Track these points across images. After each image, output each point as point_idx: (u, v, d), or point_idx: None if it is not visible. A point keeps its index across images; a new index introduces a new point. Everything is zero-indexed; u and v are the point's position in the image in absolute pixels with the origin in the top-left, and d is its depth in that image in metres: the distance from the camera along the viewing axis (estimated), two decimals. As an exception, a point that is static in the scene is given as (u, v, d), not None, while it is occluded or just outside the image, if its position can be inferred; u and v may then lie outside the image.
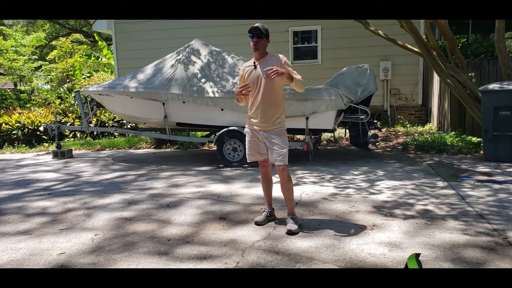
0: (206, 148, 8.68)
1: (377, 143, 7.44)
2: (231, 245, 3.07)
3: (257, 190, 4.72)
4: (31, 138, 10.03)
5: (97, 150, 9.19)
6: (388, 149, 8.01)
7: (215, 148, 6.63)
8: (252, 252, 2.93)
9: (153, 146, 9.15)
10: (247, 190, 4.73)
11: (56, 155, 8.04)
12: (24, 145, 9.84)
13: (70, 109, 10.93)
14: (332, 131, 6.57)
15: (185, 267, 2.68)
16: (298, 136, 8.24)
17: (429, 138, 7.92)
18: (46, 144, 9.65)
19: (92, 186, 5.20)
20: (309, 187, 4.81)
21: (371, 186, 4.80)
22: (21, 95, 13.37)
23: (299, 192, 4.58)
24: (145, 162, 7.13)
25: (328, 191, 4.60)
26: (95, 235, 3.34)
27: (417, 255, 1.20)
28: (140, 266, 2.73)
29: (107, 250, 3.01)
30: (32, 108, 11.87)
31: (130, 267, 2.72)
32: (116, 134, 10.00)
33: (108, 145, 9.45)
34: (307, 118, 6.15)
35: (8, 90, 13.85)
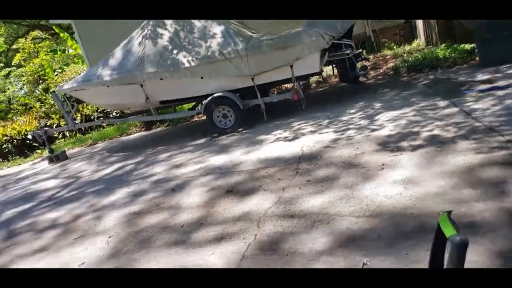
0: (196, 119, 8.52)
1: (367, 75, 7.28)
2: (245, 218, 3.05)
3: (258, 153, 4.65)
4: (22, 148, 9.85)
5: (90, 145, 9.04)
6: (379, 77, 7.85)
7: (206, 118, 6.48)
8: (267, 220, 2.91)
9: (143, 129, 8.99)
10: (247, 156, 4.66)
11: (51, 160, 7.91)
12: (17, 156, 9.68)
13: (52, 110, 10.63)
14: (320, 73, 6.39)
15: (206, 253, 2.67)
16: (286, 85, 8.04)
17: (419, 56, 7.72)
18: (38, 151, 9.48)
19: (94, 185, 5.13)
20: (309, 138, 4.73)
21: (371, 122, 4.72)
22: (0, 106, 12.97)
23: (299, 146, 4.51)
24: (140, 147, 7.02)
25: (328, 138, 4.53)
26: (109, 237, 3.31)
27: (449, 213, 1.08)
28: (160, 262, 2.72)
29: (125, 251, 2.99)
30: (14, 118, 11.54)
31: (150, 265, 2.70)
32: (104, 125, 9.79)
33: (99, 137, 9.29)
34: (291, 66, 5.94)
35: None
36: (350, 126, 4.81)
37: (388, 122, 4.56)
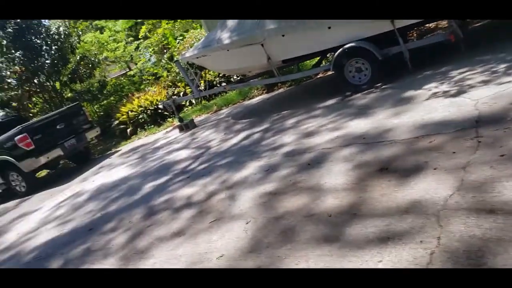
0: (320, 75, 7.73)
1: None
2: (415, 210, 2.30)
3: (411, 116, 3.72)
4: (155, 117, 10.52)
5: (215, 112, 9.10)
6: None
7: (332, 73, 5.66)
8: (452, 216, 2.11)
9: (265, 91, 8.60)
10: (397, 120, 3.77)
11: (181, 129, 8.17)
12: (152, 125, 10.40)
13: (177, 78, 11.02)
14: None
15: (370, 258, 2.04)
16: (438, 23, 6.55)
17: None
18: (170, 120, 9.99)
19: (223, 157, 4.91)
20: (483, 92, 3.58)
21: None
22: (134, 78, 14.14)
23: (471, 103, 3.43)
24: (264, 112, 6.62)
25: (513, 90, 3.33)
26: (246, 223, 2.94)
27: None
28: (311, 263, 2.20)
29: (266, 245, 2.56)
30: (146, 88, 12.42)
31: (299, 265, 2.21)
32: (224, 94, 9.73)
33: (223, 103, 9.27)
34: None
35: (122, 79, 14.82)
36: (545, 71, 3.48)
37: None
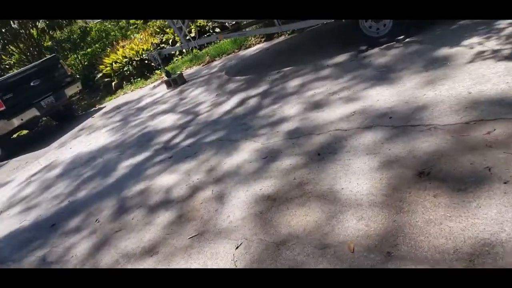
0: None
1: None
2: (485, 256, 1.53)
3: (453, 85, 2.82)
4: (142, 69, 9.49)
5: (207, 63, 8.07)
6: None
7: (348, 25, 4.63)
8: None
9: (263, 39, 7.50)
10: (434, 91, 2.88)
11: (169, 84, 7.24)
12: (139, 79, 9.40)
13: (166, 23, 9.79)
14: None
15: None
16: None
17: None
18: (158, 71, 8.97)
19: (213, 130, 4.08)
20: (553, 54, 2.66)
21: None
22: (120, 23, 12.81)
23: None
24: (262, 68, 5.66)
25: None
26: (236, 247, 2.20)
27: None
28: None
29: (262, 290, 1.84)
30: (132, 35, 11.20)
31: None
32: (218, 42, 8.59)
33: (216, 53, 8.21)
34: None
35: (106, 24, 13.43)
36: None
37: None
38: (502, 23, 3.53)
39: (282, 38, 7.17)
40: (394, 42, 4.26)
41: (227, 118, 4.27)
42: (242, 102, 4.59)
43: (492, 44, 3.23)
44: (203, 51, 8.81)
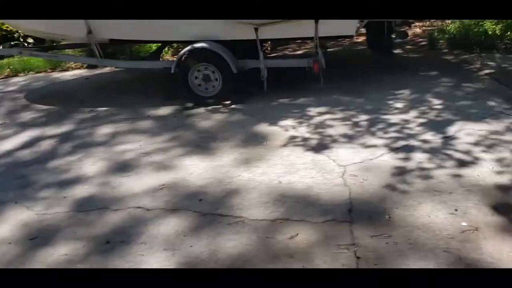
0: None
1: (405, 44, 5.39)
2: None
3: (267, 170, 2.74)
4: None
5: (5, 77, 6.52)
6: (408, 47, 5.95)
7: (178, 78, 4.33)
8: None
9: (85, 66, 6.54)
10: (249, 173, 2.74)
11: None
12: None
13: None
14: (352, 36, 4.40)
15: None
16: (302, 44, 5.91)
17: (459, 26, 5.86)
18: None
19: (-22, 178, 3.01)
20: (347, 154, 2.89)
21: (446, 141, 2.96)
22: None
23: (337, 169, 2.67)
24: (74, 99, 4.83)
25: (383, 163, 2.72)
26: None
27: None
28: None
29: None
30: None
31: None
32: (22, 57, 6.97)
33: (21, 68, 6.72)
34: (316, 21, 3.88)
35: None
36: (411, 140, 3.02)
37: (479, 148, 2.82)
38: (313, 111, 3.82)
39: (108, 69, 6.39)
40: (221, 106, 4.16)
41: (3, 163, 3.26)
42: (32, 143, 3.64)
43: (303, 130, 3.40)
44: (4, 61, 7.14)
